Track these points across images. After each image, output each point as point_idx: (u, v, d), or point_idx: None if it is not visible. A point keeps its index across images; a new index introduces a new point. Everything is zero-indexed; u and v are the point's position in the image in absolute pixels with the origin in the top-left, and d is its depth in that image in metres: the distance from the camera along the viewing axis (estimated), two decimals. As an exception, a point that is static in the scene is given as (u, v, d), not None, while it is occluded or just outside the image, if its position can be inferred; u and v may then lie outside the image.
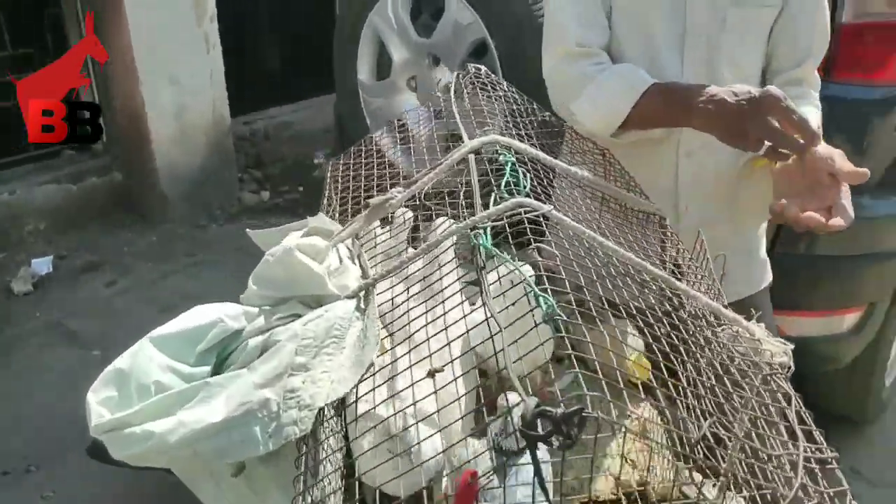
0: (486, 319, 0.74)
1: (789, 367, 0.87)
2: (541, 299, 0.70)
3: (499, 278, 0.80)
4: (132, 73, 3.73)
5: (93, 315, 3.24)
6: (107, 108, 4.03)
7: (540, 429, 0.61)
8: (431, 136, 1.37)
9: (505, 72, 1.86)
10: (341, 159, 1.33)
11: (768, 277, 1.62)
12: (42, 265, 3.58)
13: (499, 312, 0.74)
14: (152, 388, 0.85)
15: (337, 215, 1.19)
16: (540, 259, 0.83)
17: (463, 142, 1.09)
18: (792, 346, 0.88)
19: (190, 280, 3.58)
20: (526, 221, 0.85)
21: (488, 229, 0.85)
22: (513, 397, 0.85)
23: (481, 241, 0.84)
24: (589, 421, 0.61)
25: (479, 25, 1.91)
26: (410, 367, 0.83)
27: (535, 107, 1.28)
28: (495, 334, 0.71)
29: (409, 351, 0.86)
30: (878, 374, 2.31)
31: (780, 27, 1.42)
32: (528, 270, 0.81)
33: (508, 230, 0.84)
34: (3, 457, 2.39)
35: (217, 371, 0.91)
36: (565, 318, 0.69)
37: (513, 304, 0.76)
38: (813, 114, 1.38)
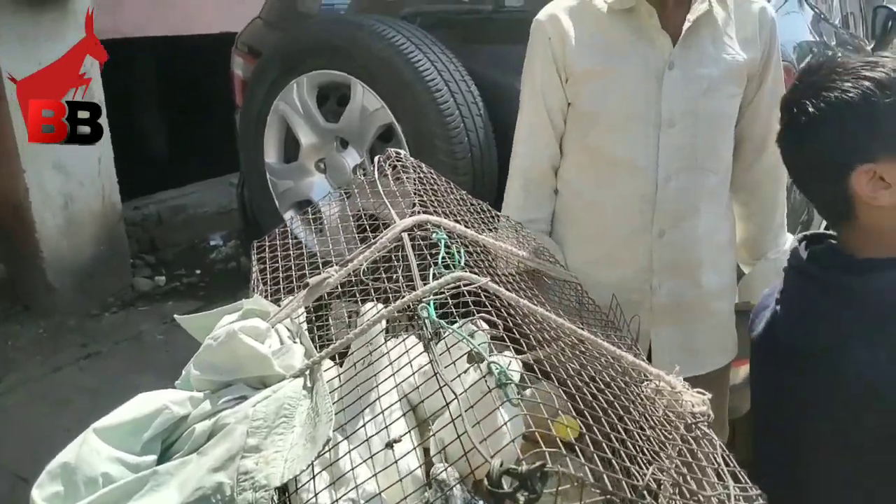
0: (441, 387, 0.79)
1: (709, 415, 0.95)
2: (492, 367, 0.75)
3: (447, 349, 0.84)
4: (14, 160, 3.57)
5: (-21, 416, 3.03)
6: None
7: (506, 486, 0.66)
8: (344, 217, 1.41)
9: (412, 153, 1.94)
10: (266, 241, 1.35)
11: (733, 354, 1.74)
12: (-83, 366, 3.34)
13: (455, 388, 0.78)
14: (100, 481, 0.84)
15: (267, 297, 1.21)
16: (484, 329, 0.88)
17: (379, 221, 1.18)
18: (709, 396, 0.96)
19: (83, 372, 3.41)
20: (466, 294, 0.90)
21: (431, 303, 0.90)
22: (449, 471, 0.88)
23: (428, 314, 0.88)
24: (550, 476, 0.66)
25: (386, 111, 1.99)
26: (361, 442, 0.85)
27: (452, 186, 1.35)
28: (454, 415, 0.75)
29: (358, 428, 0.88)
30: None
31: (748, 114, 1.60)
32: (479, 337, 0.86)
33: (451, 302, 0.89)
34: None
35: (162, 459, 0.91)
36: (516, 384, 0.74)
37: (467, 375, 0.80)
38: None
